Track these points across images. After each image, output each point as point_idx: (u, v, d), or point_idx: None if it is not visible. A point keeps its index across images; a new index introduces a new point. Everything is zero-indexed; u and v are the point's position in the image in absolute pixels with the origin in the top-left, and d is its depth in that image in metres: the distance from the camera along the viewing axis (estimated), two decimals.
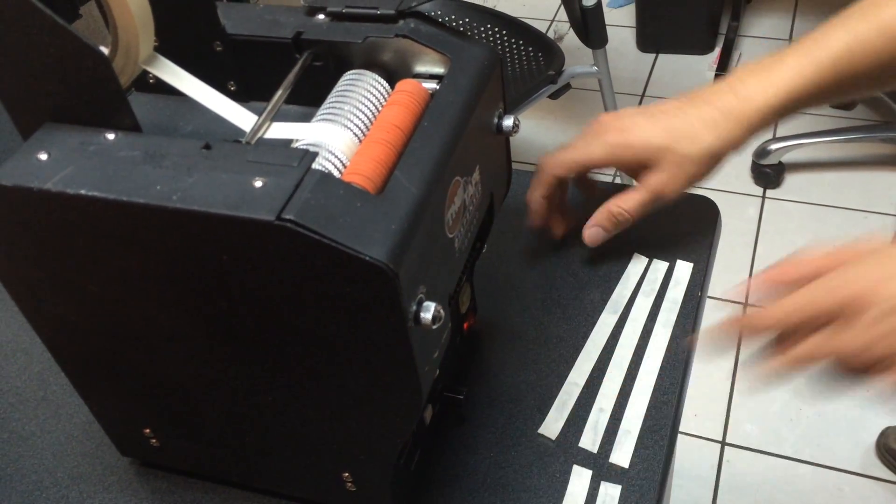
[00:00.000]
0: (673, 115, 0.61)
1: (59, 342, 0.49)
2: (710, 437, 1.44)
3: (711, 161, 0.61)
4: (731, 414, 1.46)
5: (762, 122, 0.60)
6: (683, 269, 0.67)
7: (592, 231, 0.65)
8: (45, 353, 0.57)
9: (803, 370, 0.50)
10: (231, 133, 0.47)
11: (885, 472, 1.35)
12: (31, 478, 0.58)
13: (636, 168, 0.62)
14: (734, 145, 0.60)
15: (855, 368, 0.49)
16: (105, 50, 0.44)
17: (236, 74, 0.52)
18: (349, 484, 0.50)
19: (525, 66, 1.52)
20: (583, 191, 0.69)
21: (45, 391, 0.64)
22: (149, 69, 0.47)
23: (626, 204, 0.63)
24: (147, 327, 0.45)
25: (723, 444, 1.43)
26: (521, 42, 1.57)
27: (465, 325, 0.60)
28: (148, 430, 0.53)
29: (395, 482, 0.51)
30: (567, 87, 1.50)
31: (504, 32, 1.59)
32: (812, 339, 0.49)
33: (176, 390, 0.49)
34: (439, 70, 0.49)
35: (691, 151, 0.60)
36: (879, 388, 0.49)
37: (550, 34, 2.29)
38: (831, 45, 0.58)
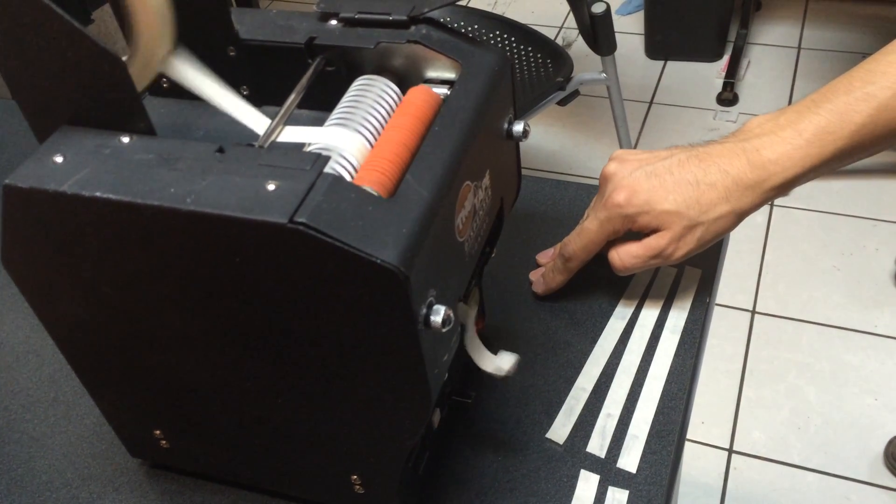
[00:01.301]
0: (683, 180, 0.58)
1: (71, 343, 0.49)
2: (717, 444, 1.43)
3: (727, 226, 0.59)
4: (739, 421, 1.46)
5: (776, 194, 0.58)
6: (691, 276, 0.67)
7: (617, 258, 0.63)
8: (56, 354, 0.58)
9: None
10: (244, 137, 0.47)
11: (892, 481, 1.35)
12: (41, 478, 0.59)
13: (644, 231, 0.61)
14: (747, 212, 0.59)
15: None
16: (123, 57, 0.44)
17: (249, 79, 0.52)
18: (357, 486, 0.51)
19: (534, 73, 1.53)
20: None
21: (56, 392, 0.64)
22: (167, 73, 0.47)
23: (630, 255, 0.61)
24: (159, 329, 0.45)
25: (730, 451, 1.43)
26: (529, 49, 1.57)
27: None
28: (158, 432, 0.53)
29: (404, 485, 0.51)
30: (576, 93, 1.50)
31: (513, 39, 1.60)
32: None
33: (187, 392, 0.49)
34: (450, 75, 0.49)
35: (703, 218, 0.58)
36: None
37: (559, 41, 2.30)
38: (854, 119, 0.55)
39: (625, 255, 0.61)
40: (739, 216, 0.59)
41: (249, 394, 0.48)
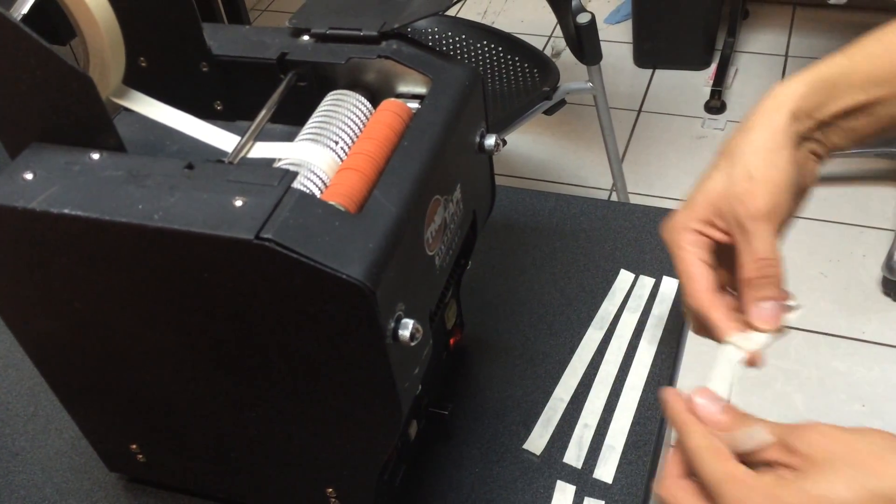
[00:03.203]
0: (718, 155, 0.52)
1: (46, 359, 0.49)
2: None
3: (772, 151, 0.50)
4: None
5: (799, 103, 0.51)
6: (669, 286, 0.68)
7: (757, 312, 0.49)
8: (35, 369, 0.58)
9: None
10: (217, 152, 0.48)
11: None
12: (19, 493, 0.59)
13: (717, 223, 0.51)
14: (784, 130, 0.50)
15: None
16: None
17: (223, 94, 0.53)
18: (333, 499, 0.51)
19: (520, 83, 1.53)
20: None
21: (35, 407, 0.64)
22: (120, 102, 0.48)
23: (747, 257, 0.49)
24: (132, 344, 0.46)
25: None
26: (516, 58, 1.58)
27: (452, 341, 0.60)
28: (134, 446, 0.54)
29: (380, 497, 0.51)
30: (562, 103, 1.50)
31: (500, 49, 1.60)
32: None
33: (161, 406, 0.49)
34: (421, 90, 0.50)
35: (741, 158, 0.50)
36: None
37: (548, 50, 2.30)
38: (868, 40, 0.52)
39: (757, 252, 0.49)
40: (773, 143, 0.50)
41: (223, 408, 0.48)
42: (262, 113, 0.48)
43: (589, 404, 0.60)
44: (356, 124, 0.48)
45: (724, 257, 0.52)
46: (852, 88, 0.52)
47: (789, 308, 0.49)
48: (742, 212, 0.49)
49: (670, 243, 0.52)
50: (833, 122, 0.53)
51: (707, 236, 0.51)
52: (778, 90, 0.52)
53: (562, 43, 2.31)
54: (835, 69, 0.53)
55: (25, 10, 0.46)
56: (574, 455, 0.57)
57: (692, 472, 0.42)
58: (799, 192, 0.52)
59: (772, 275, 0.49)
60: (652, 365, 0.62)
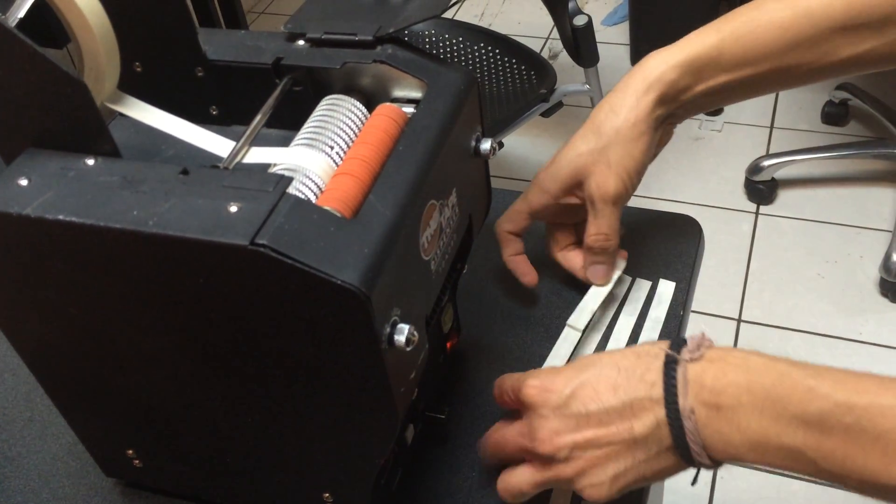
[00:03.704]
0: (584, 126, 0.61)
1: (41, 364, 0.49)
2: None
3: (629, 138, 0.59)
4: None
5: (666, 84, 0.58)
6: (666, 288, 0.68)
7: (591, 270, 0.64)
8: (31, 373, 0.58)
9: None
10: (213, 157, 0.48)
11: None
12: (16, 498, 0.59)
13: (576, 192, 0.62)
14: (646, 114, 0.59)
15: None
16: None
17: (218, 99, 0.53)
18: None
19: (518, 85, 1.53)
20: (557, 246, 0.67)
21: (31, 412, 0.64)
22: (114, 107, 0.48)
23: (593, 229, 0.61)
24: (127, 350, 0.46)
25: None
26: (513, 61, 1.58)
27: (449, 345, 0.60)
28: (131, 452, 0.53)
29: (376, 502, 0.51)
30: (559, 104, 1.51)
31: (497, 51, 1.60)
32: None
33: (157, 412, 0.49)
34: (416, 94, 0.50)
35: (602, 142, 0.59)
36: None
37: (545, 52, 2.31)
38: (735, 17, 0.58)
39: (591, 228, 0.62)
40: (641, 120, 0.59)
41: (219, 413, 0.48)
42: (258, 118, 0.48)
43: None
44: (351, 129, 0.48)
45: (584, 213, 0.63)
46: (719, 70, 0.59)
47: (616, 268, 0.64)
48: (595, 193, 0.60)
49: (503, 229, 0.65)
50: (696, 99, 0.60)
51: (566, 203, 0.63)
52: (648, 69, 0.59)
53: (559, 45, 2.31)
54: (704, 50, 0.58)
55: (22, 13, 0.46)
56: None
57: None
58: (650, 160, 0.62)
59: (608, 246, 0.62)
60: None
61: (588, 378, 0.48)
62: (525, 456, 0.51)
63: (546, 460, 0.49)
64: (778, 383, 0.43)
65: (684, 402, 0.45)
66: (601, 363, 0.49)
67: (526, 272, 0.66)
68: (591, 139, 0.60)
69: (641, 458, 0.47)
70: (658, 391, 0.46)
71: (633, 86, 0.59)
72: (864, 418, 0.40)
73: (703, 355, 0.46)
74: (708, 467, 0.46)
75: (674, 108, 0.61)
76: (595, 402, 0.47)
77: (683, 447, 0.45)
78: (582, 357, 0.52)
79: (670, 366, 0.46)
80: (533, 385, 0.50)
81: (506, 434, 0.52)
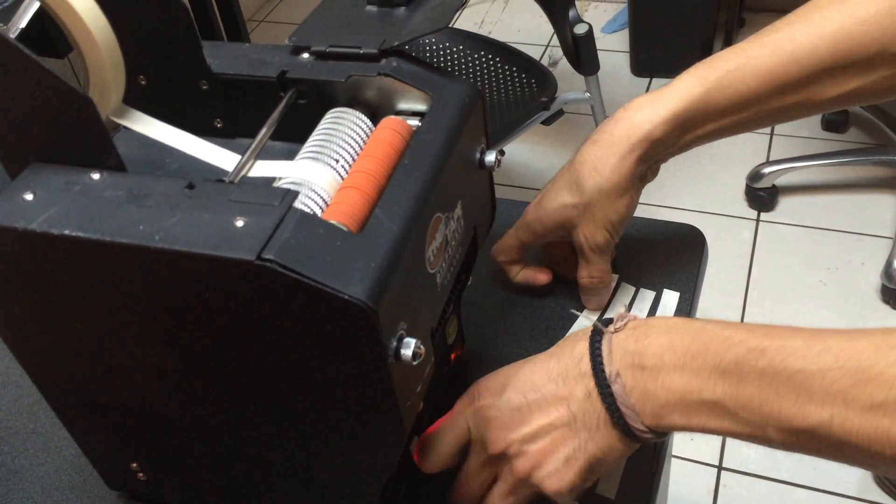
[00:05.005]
0: (567, 169, 0.61)
1: (45, 377, 0.49)
2: (706, 461, 1.43)
3: (612, 198, 0.60)
4: (728, 438, 1.46)
5: (650, 142, 0.59)
6: (670, 298, 0.67)
7: (587, 301, 0.67)
8: (35, 386, 0.58)
9: None
10: (217, 170, 0.47)
11: (882, 497, 1.35)
12: None
13: (563, 234, 0.63)
14: (627, 174, 0.59)
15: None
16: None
17: (223, 112, 0.53)
18: None
19: (518, 93, 1.53)
20: (552, 259, 0.70)
21: (35, 424, 0.64)
22: (119, 121, 0.48)
23: (584, 273, 0.64)
24: (132, 364, 0.45)
25: (719, 468, 1.42)
26: (514, 69, 1.58)
27: (453, 356, 0.60)
28: (135, 465, 0.53)
29: None
30: (560, 113, 1.51)
31: (497, 59, 1.61)
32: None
33: (162, 426, 0.49)
34: (421, 107, 0.50)
35: (585, 198, 0.60)
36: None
37: (545, 60, 2.31)
38: (720, 65, 0.58)
39: (582, 272, 0.64)
40: (626, 177, 0.60)
41: (224, 427, 0.47)
42: (263, 131, 0.48)
43: None
44: (356, 142, 0.48)
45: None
46: (706, 120, 0.60)
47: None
48: (584, 245, 0.62)
49: (500, 260, 0.68)
50: (682, 147, 0.61)
51: (550, 242, 0.67)
52: (634, 126, 0.59)
53: (559, 52, 2.31)
54: (690, 103, 0.58)
55: (23, 24, 0.46)
56: None
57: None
58: (635, 208, 0.63)
59: (601, 286, 0.65)
60: None
61: (524, 371, 0.50)
62: (489, 476, 0.52)
63: (503, 462, 0.50)
64: (696, 338, 0.45)
65: (610, 368, 0.46)
66: (537, 357, 0.50)
67: (538, 277, 0.68)
68: (574, 193, 0.61)
69: (585, 437, 0.47)
70: (586, 363, 0.47)
71: (618, 143, 0.59)
72: (776, 360, 0.41)
73: (627, 325, 0.47)
74: (648, 439, 0.47)
75: (661, 156, 0.62)
76: (533, 391, 0.49)
77: (617, 415, 0.46)
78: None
79: (595, 338, 0.48)
80: (475, 390, 0.52)
81: (465, 468, 0.53)
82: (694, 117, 0.59)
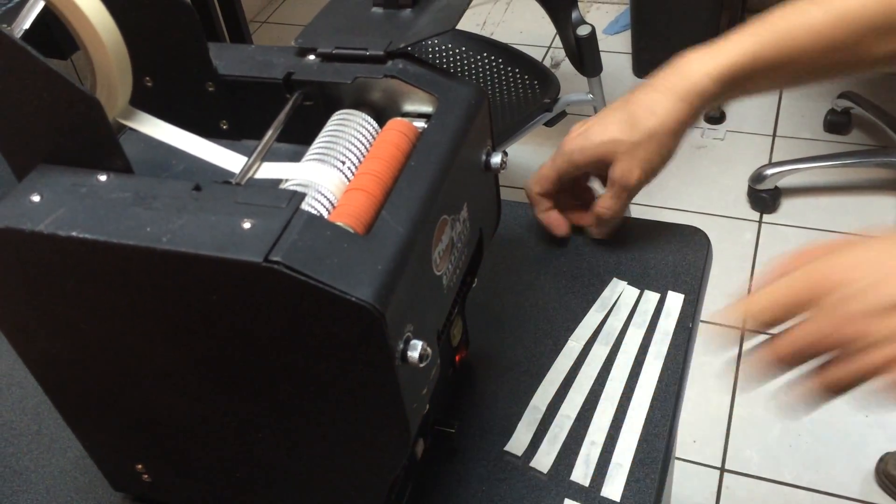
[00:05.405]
0: (619, 108, 0.64)
1: (50, 379, 0.49)
2: (709, 463, 1.43)
3: (661, 141, 0.63)
4: (731, 440, 1.46)
5: (704, 96, 0.62)
6: (675, 300, 0.67)
7: (594, 231, 0.71)
8: (39, 387, 0.58)
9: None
10: (224, 172, 0.47)
11: (884, 499, 1.35)
12: None
13: (600, 167, 0.66)
14: (680, 122, 0.62)
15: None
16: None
17: (229, 114, 0.53)
18: None
19: (521, 94, 1.53)
20: (580, 197, 0.72)
21: (39, 425, 0.64)
22: (126, 122, 0.48)
23: (605, 203, 0.67)
24: (138, 365, 0.45)
25: (722, 470, 1.42)
26: (517, 70, 1.58)
27: (457, 358, 0.60)
28: (140, 466, 0.53)
29: None
30: (563, 114, 1.51)
31: (500, 61, 1.61)
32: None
33: (167, 427, 0.49)
34: (427, 109, 0.50)
35: (636, 137, 0.63)
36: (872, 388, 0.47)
37: (547, 61, 2.31)
38: (777, 24, 0.60)
39: (602, 202, 0.67)
40: (674, 123, 0.62)
41: (230, 428, 0.47)
42: (269, 133, 0.48)
43: (596, 421, 0.60)
44: (363, 144, 0.48)
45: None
46: (752, 79, 0.62)
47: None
48: (619, 180, 0.65)
49: (533, 191, 0.69)
50: (730, 99, 0.64)
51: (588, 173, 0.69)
52: (687, 74, 0.62)
53: (561, 54, 2.31)
54: (742, 59, 0.61)
55: (27, 25, 0.46)
56: (581, 473, 0.57)
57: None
58: (675, 151, 0.65)
59: (612, 220, 0.69)
60: (658, 381, 0.62)
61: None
62: (823, 352, 0.50)
63: (855, 345, 0.47)
64: None
65: None
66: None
67: (558, 224, 0.70)
68: (625, 130, 0.63)
69: None
70: None
71: (673, 90, 0.62)
72: None
73: None
74: None
75: (710, 107, 0.65)
76: None
77: None
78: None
79: None
80: (836, 263, 0.49)
81: (793, 332, 0.51)
82: (742, 75, 0.61)
